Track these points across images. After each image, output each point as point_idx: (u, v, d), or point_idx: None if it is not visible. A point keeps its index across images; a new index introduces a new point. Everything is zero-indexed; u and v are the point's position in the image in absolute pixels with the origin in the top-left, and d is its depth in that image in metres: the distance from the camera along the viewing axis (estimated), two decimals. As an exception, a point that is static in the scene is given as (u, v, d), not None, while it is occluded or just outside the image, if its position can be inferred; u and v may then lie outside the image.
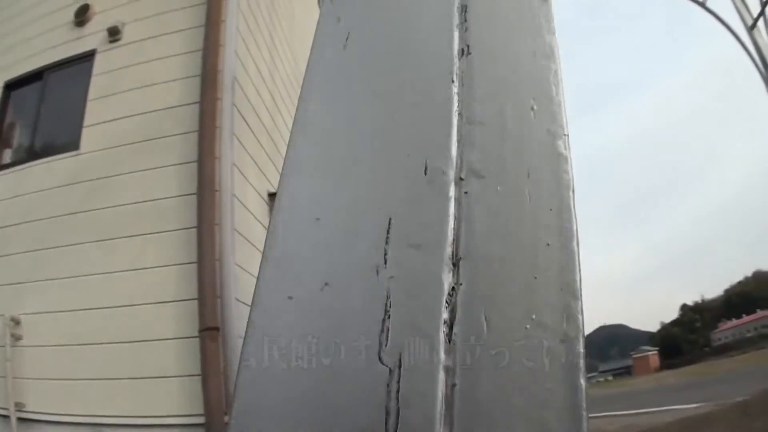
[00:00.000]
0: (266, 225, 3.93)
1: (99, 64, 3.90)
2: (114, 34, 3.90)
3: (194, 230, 3.26)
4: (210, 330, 3.21)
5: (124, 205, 3.46)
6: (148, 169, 3.47)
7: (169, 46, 3.67)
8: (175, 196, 3.36)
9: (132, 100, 3.66)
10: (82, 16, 4.14)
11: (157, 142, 3.49)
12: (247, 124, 3.61)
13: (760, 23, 5.43)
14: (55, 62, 4.20)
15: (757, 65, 5.53)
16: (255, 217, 3.65)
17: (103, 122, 3.72)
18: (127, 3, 3.99)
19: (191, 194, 3.31)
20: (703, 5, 5.85)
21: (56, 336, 3.38)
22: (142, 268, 3.37)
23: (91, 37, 4.02)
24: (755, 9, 5.48)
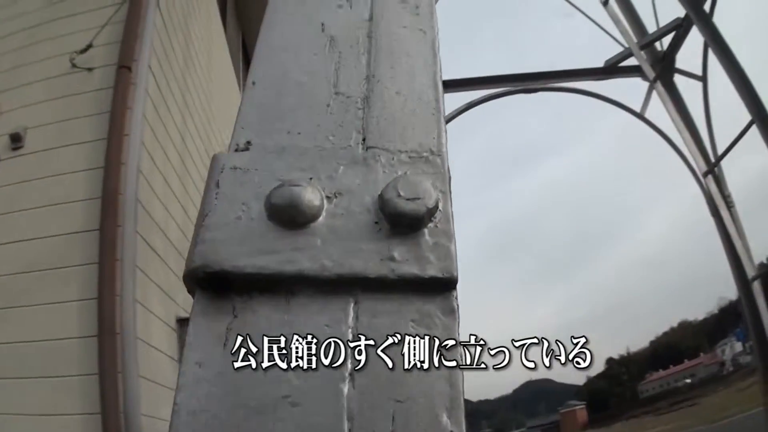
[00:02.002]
0: (175, 357, 3.60)
1: (1, 174, 3.55)
2: (16, 140, 3.54)
3: (97, 377, 2.94)
4: (116, 493, 2.90)
5: (24, 342, 3.13)
6: (48, 303, 3.13)
7: (70, 160, 3.32)
8: (76, 338, 3.02)
9: (34, 220, 3.31)
10: (-12, 116, 3.80)
11: (58, 272, 3.16)
12: (153, 250, 3.26)
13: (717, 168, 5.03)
14: (-36, 165, 3.86)
15: (702, 187, 5.14)
16: (162, 353, 3.31)
17: (7, 243, 3.39)
18: (33, 104, 3.63)
19: (92, 336, 2.99)
20: (641, 117, 5.41)
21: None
22: (44, 414, 3.05)
23: (-4, 142, 3.67)
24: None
